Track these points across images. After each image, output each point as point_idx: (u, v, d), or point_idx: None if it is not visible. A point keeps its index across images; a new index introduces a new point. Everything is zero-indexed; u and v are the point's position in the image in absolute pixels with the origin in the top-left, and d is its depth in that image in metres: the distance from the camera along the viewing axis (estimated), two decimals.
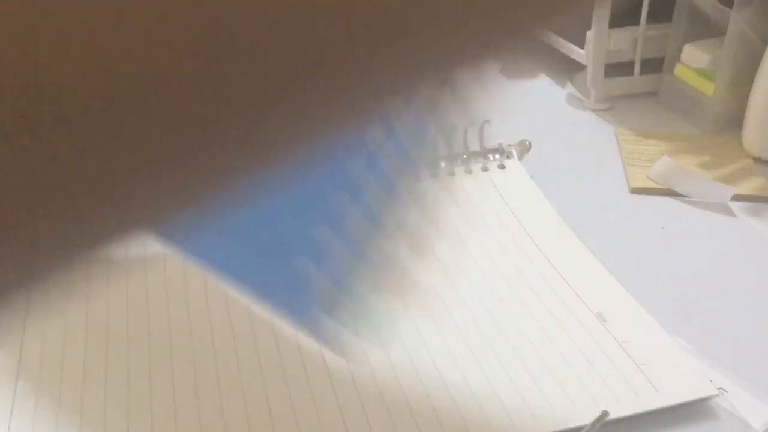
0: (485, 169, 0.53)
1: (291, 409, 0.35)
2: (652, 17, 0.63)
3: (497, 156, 0.54)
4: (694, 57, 0.61)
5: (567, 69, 0.70)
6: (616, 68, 0.65)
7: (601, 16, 0.61)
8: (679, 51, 0.62)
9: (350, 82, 0.14)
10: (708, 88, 0.60)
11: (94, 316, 0.40)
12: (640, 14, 0.63)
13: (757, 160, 0.57)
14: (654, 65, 0.65)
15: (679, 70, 0.63)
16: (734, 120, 0.59)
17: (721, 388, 0.37)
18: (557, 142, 0.60)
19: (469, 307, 0.41)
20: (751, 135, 0.57)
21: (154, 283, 0.42)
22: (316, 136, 0.15)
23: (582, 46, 0.64)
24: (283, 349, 0.38)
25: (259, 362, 0.37)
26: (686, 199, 0.52)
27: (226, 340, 0.38)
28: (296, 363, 0.37)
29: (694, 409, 0.36)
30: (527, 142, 0.55)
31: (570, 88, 0.69)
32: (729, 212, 0.51)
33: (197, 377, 0.36)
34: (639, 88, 0.66)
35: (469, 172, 0.52)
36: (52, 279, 0.14)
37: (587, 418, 0.34)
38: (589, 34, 0.63)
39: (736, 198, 0.52)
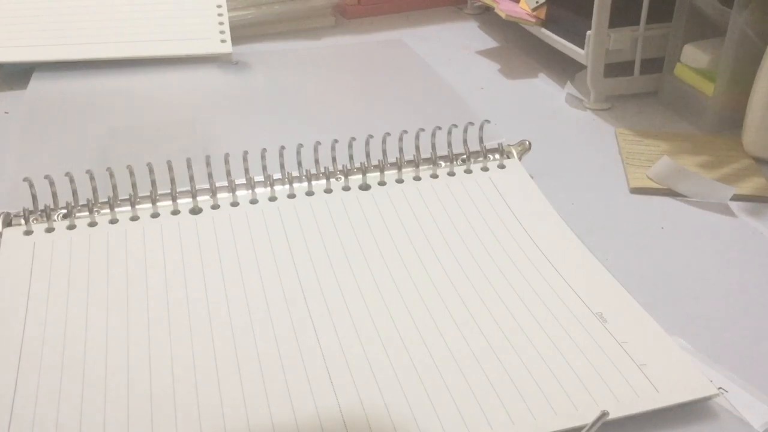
0: (485, 169, 0.53)
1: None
2: (652, 17, 0.63)
3: (497, 156, 0.54)
4: (694, 57, 0.61)
5: (567, 69, 0.70)
6: (616, 68, 0.65)
7: (601, 16, 0.62)
8: (679, 51, 0.62)
9: None
10: (708, 88, 0.60)
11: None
12: (640, 14, 0.63)
13: (757, 160, 0.57)
14: (654, 65, 0.65)
15: (679, 70, 0.63)
16: (734, 120, 0.59)
17: (721, 388, 0.37)
18: (557, 142, 0.60)
19: (469, 307, 0.41)
20: (751, 135, 0.57)
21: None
22: None
23: (582, 46, 0.64)
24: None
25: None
26: (686, 199, 0.53)
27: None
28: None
29: (694, 409, 0.36)
30: (527, 142, 0.55)
31: (570, 88, 0.69)
32: (729, 212, 0.51)
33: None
34: (639, 88, 0.66)
35: (469, 172, 0.52)
36: None
37: (587, 418, 0.34)
38: (589, 34, 0.63)
39: (736, 198, 0.52)
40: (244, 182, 0.49)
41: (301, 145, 0.50)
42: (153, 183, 0.48)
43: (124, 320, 0.40)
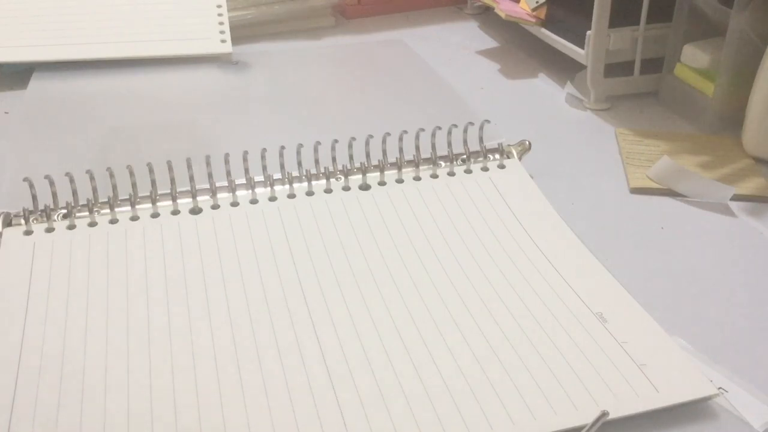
0: (485, 169, 0.53)
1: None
2: (652, 17, 0.63)
3: (497, 156, 0.54)
4: (694, 57, 0.61)
5: (567, 69, 0.70)
6: (616, 68, 0.65)
7: (601, 16, 0.62)
8: (679, 51, 0.62)
9: None
10: (708, 88, 0.60)
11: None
12: (640, 14, 0.63)
13: (757, 160, 0.57)
14: (654, 65, 0.65)
15: (679, 70, 0.63)
16: (734, 120, 0.59)
17: (721, 388, 0.37)
18: (557, 142, 0.60)
19: (469, 307, 0.41)
20: (751, 135, 0.57)
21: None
22: None
23: (582, 46, 0.64)
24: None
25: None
26: (686, 199, 0.53)
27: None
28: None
29: (694, 409, 0.36)
30: (527, 142, 0.55)
31: (570, 88, 0.69)
32: (729, 212, 0.51)
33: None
34: (639, 88, 0.66)
35: (469, 172, 0.52)
36: None
37: (587, 418, 0.34)
38: (589, 34, 0.63)
39: (736, 198, 0.52)
40: (244, 182, 0.49)
41: (301, 145, 0.50)
42: (153, 183, 0.48)
43: (123, 320, 0.40)
